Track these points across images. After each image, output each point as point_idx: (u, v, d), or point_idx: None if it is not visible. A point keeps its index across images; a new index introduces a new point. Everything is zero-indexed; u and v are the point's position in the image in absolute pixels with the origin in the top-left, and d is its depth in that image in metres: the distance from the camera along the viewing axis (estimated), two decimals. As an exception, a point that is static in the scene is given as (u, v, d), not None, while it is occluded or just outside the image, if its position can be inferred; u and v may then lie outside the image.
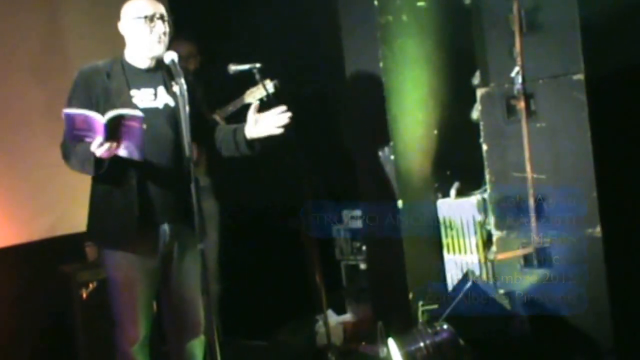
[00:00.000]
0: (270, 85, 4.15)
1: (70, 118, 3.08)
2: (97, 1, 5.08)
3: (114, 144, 3.14)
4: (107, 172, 3.28)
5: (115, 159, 3.22)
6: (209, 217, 4.54)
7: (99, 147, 3.12)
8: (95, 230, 3.51)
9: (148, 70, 3.48)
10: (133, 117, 3.13)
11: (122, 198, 3.37)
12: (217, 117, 4.53)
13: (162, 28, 3.40)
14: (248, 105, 3.98)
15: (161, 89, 3.48)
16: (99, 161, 3.20)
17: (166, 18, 3.43)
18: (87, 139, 3.15)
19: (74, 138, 3.18)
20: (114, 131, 3.10)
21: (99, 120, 3.07)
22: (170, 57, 3.32)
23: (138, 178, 3.36)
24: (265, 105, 4.11)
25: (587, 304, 4.01)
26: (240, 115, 4.36)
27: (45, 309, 4.74)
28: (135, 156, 3.23)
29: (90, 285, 4.56)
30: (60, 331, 4.74)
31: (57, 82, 4.68)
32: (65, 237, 4.78)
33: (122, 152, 3.21)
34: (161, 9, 3.43)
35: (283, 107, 3.49)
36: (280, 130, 3.49)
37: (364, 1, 4.38)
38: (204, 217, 3.55)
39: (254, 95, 4.32)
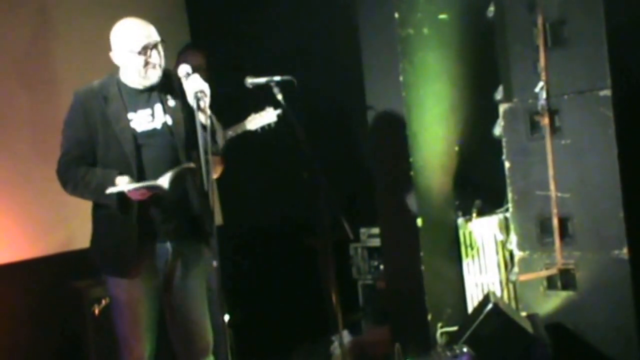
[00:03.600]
0: (273, 114, 4.08)
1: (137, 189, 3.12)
2: (85, 8, 5.04)
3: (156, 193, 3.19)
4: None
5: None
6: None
7: (136, 190, 3.15)
8: (96, 255, 3.47)
9: (144, 91, 3.41)
10: (186, 170, 3.20)
11: (123, 223, 3.30)
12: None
13: (157, 58, 3.32)
14: (248, 132, 3.90)
15: (158, 108, 3.40)
16: (121, 195, 3.19)
17: (160, 43, 3.33)
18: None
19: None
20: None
21: (160, 186, 3.13)
22: (185, 70, 3.25)
23: (139, 202, 3.29)
24: (268, 131, 4.03)
25: (614, 328, 3.93)
26: (239, 142, 4.28)
27: (57, 325, 4.70)
28: (169, 196, 3.28)
29: (103, 302, 4.49)
30: (72, 347, 4.67)
31: (51, 93, 4.79)
32: (79, 252, 4.70)
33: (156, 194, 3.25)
34: (154, 36, 3.32)
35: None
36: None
37: (384, 14, 4.34)
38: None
39: (255, 123, 4.22)
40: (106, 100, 3.32)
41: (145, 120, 3.36)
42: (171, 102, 3.39)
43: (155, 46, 3.30)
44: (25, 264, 4.63)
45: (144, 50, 3.27)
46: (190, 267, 3.47)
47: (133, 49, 3.26)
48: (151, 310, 3.44)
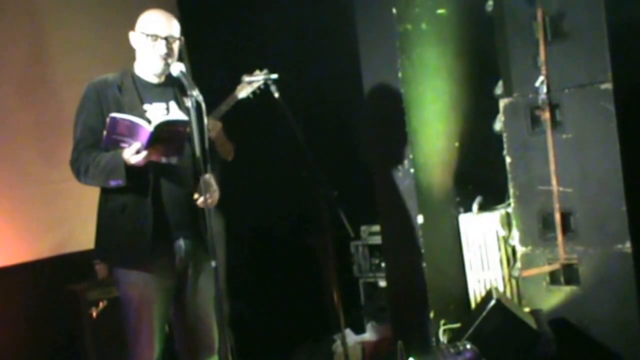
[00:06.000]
0: (260, 77, 4.02)
1: (114, 122, 3.03)
2: (83, 14, 4.99)
3: (153, 152, 3.11)
4: (120, 187, 3.21)
5: (134, 172, 3.16)
6: (215, 234, 4.45)
7: (135, 153, 3.08)
8: (107, 249, 3.40)
9: (159, 85, 3.42)
10: (178, 123, 3.12)
11: (136, 214, 3.27)
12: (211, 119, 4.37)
13: (162, 49, 3.32)
14: (242, 101, 3.84)
15: (172, 104, 3.42)
16: (129, 168, 3.14)
17: (178, 38, 3.37)
18: (123, 145, 3.10)
19: (109, 142, 3.12)
20: (156, 138, 3.07)
21: (146, 128, 3.03)
22: (178, 68, 3.25)
23: (152, 193, 3.27)
24: (258, 98, 3.98)
25: (617, 323, 3.91)
26: (235, 114, 4.25)
27: (54, 329, 4.66)
28: (174, 160, 3.24)
29: (101, 304, 4.47)
30: (70, 351, 4.64)
31: (45, 96, 4.77)
32: (74, 255, 4.71)
33: (159, 155, 3.19)
34: (174, 30, 3.36)
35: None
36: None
37: (381, 9, 4.30)
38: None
39: (246, 90, 4.17)
40: (121, 89, 3.31)
41: (160, 113, 3.35)
42: (187, 103, 3.34)
43: (173, 40, 3.33)
44: (21, 267, 4.59)
45: (162, 38, 3.30)
46: (201, 266, 3.44)
47: (147, 32, 3.30)
48: (163, 311, 3.40)
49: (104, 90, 3.32)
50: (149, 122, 3.23)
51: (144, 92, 3.36)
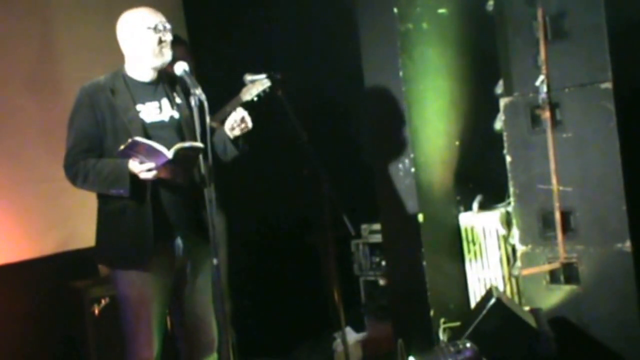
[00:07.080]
0: (266, 81, 4.04)
1: (134, 143, 3.08)
2: (91, 11, 5.03)
3: (163, 171, 3.17)
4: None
5: (137, 182, 3.20)
6: (216, 232, 4.46)
7: (147, 171, 3.14)
8: (107, 252, 3.42)
9: (151, 84, 3.44)
10: (193, 149, 3.17)
11: (136, 215, 3.29)
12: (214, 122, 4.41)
13: (169, 36, 3.39)
14: (246, 104, 3.85)
15: (165, 102, 3.44)
16: (133, 179, 3.18)
17: (168, 27, 3.40)
18: (134, 159, 3.15)
19: (121, 155, 3.16)
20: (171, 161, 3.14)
21: (164, 154, 3.09)
22: (182, 67, 3.28)
23: (151, 194, 3.29)
24: (262, 101, 4.00)
25: (617, 322, 3.91)
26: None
27: (57, 326, 4.66)
28: (179, 180, 3.30)
29: (103, 302, 4.47)
30: (72, 348, 4.64)
31: (53, 94, 4.77)
32: (77, 252, 4.70)
33: (167, 175, 3.24)
34: (164, 18, 3.40)
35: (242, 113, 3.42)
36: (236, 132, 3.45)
37: (383, 9, 4.31)
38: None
39: (250, 93, 4.19)
40: (113, 92, 3.33)
41: (154, 112, 3.38)
42: (177, 99, 3.43)
43: (165, 27, 3.37)
44: (24, 265, 4.60)
45: (158, 28, 3.33)
46: (199, 264, 3.46)
47: (150, 25, 3.32)
48: (162, 309, 3.42)
49: (96, 95, 3.34)
50: (144, 127, 3.30)
51: (137, 93, 3.38)
